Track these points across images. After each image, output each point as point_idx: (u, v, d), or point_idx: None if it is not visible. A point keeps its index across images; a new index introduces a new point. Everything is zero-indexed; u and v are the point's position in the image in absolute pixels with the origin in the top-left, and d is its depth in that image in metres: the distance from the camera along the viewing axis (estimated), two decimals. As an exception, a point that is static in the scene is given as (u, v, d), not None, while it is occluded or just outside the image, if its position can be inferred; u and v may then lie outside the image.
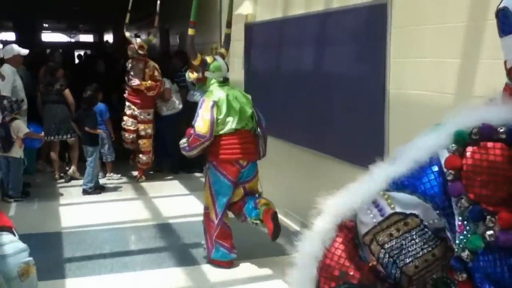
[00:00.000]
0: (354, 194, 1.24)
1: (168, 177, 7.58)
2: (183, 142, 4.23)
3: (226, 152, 4.12)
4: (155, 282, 4.14)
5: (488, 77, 3.00)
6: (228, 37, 4.80)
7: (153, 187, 7.05)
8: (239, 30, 6.66)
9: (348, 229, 1.25)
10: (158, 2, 7.67)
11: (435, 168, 1.17)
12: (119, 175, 7.53)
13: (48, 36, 22.84)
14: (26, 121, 6.40)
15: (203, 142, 4.08)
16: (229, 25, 4.85)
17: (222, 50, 4.58)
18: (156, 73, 7.16)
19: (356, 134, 4.30)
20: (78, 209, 6.09)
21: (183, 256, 4.65)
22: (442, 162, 1.16)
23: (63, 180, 7.26)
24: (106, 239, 5.04)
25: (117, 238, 5.08)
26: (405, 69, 3.69)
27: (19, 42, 14.68)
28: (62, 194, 6.72)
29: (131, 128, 7.09)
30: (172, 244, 4.96)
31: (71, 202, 6.38)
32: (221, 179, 4.15)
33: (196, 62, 4.21)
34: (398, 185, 1.19)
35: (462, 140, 1.15)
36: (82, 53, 16.32)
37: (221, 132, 4.10)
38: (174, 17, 10.62)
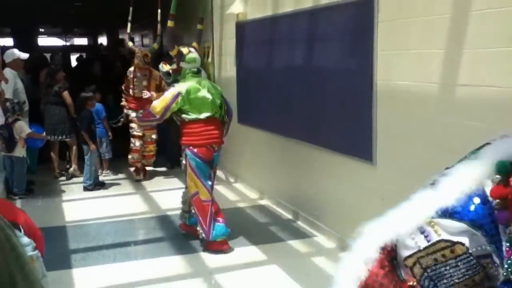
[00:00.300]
0: (399, 220, 1.29)
1: (166, 174, 7.59)
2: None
3: (203, 137, 4.36)
4: (156, 270, 4.18)
5: (471, 66, 3.05)
6: (200, 32, 5.22)
7: (150, 183, 7.07)
8: (230, 29, 6.69)
9: (388, 251, 1.31)
10: (159, 10, 7.46)
11: (480, 197, 1.21)
12: (116, 172, 7.53)
13: (44, 40, 22.68)
14: (28, 122, 6.39)
15: (152, 121, 4.60)
16: (201, 21, 5.22)
17: (194, 44, 4.83)
18: (163, 83, 6.70)
19: (347, 125, 4.35)
20: (80, 204, 6.11)
21: (181, 245, 4.69)
22: (487, 191, 1.21)
23: (64, 178, 7.25)
24: (108, 231, 5.07)
25: (118, 230, 5.10)
26: (392, 61, 3.74)
27: (18, 47, 14.58)
28: (64, 191, 6.72)
29: (139, 134, 6.95)
30: (170, 234, 4.98)
31: (73, 198, 6.39)
32: (200, 162, 4.38)
33: (173, 53, 4.36)
34: (445, 212, 1.23)
35: (505, 170, 1.19)
36: (79, 55, 16.23)
37: (196, 117, 4.34)
38: (167, 19, 10.60)
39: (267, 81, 5.79)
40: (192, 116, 4.32)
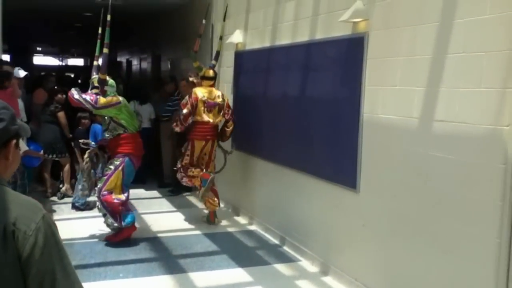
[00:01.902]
0: None
1: (156, 196, 7.92)
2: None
3: (140, 148, 5.75)
4: (147, 286, 4.47)
5: (447, 104, 3.47)
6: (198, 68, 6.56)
7: (141, 204, 7.38)
8: (229, 57, 7.14)
9: None
10: (204, 22, 6.88)
11: None
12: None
13: (39, 59, 23.21)
14: (26, 140, 6.69)
15: (89, 105, 5.51)
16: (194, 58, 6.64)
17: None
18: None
19: (334, 154, 4.74)
20: (72, 224, 6.39)
21: (171, 265, 5.00)
22: None
23: (55, 198, 7.55)
24: (99, 250, 5.37)
25: (110, 249, 5.40)
26: (378, 96, 4.15)
27: (14, 64, 14.96)
28: (55, 211, 7.00)
29: None
30: (161, 255, 5.30)
31: (64, 217, 6.67)
32: (133, 169, 5.69)
33: (102, 77, 5.52)
34: None
35: None
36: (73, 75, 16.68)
37: (134, 129, 5.70)
38: (166, 43, 11.10)
39: (261, 109, 6.21)
40: (131, 128, 5.60)
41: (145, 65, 13.39)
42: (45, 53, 22.84)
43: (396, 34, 3.94)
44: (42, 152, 6.64)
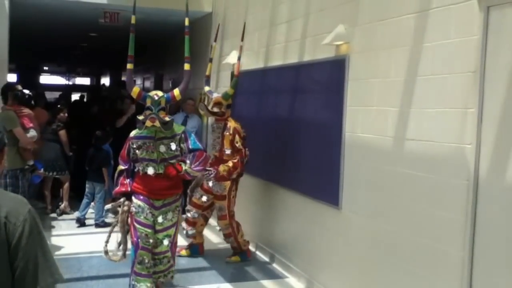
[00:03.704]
0: None
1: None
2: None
3: None
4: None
5: (417, 123, 3.73)
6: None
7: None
8: (226, 77, 7.47)
9: None
10: (214, 44, 6.76)
11: None
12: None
13: (46, 79, 23.82)
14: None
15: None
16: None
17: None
18: (237, 138, 5.66)
19: (318, 172, 5.00)
20: (69, 239, 6.68)
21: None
22: None
23: (55, 214, 7.86)
24: (93, 265, 5.63)
25: (103, 264, 5.61)
26: (358, 116, 4.42)
27: (20, 83, 15.44)
28: (53, 227, 7.32)
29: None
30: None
31: (62, 233, 6.99)
32: None
33: (134, 95, 4.52)
34: None
35: None
36: (80, 95, 17.18)
37: None
38: (169, 63, 11.52)
39: (254, 128, 6.49)
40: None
41: (148, 84, 13.83)
42: (52, 72, 23.47)
43: (373, 57, 4.22)
44: (42, 170, 6.97)
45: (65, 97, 13.91)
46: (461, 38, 3.34)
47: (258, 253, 6.28)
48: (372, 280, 4.22)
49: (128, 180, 4.56)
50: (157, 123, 4.28)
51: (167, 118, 4.39)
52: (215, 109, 5.72)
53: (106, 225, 7.17)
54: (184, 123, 8.20)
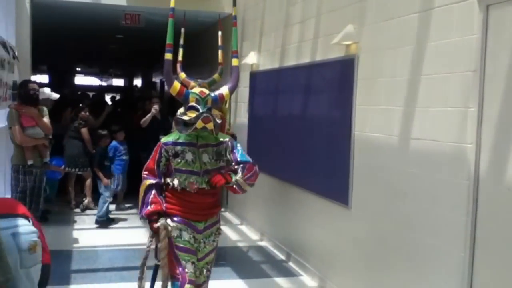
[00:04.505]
0: None
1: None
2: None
3: None
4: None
5: (421, 123, 3.69)
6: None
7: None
8: (245, 78, 7.53)
9: None
10: (220, 33, 5.96)
11: None
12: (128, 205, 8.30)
13: (81, 80, 24.39)
14: (48, 155, 7.23)
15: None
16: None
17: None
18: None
19: (329, 172, 4.99)
20: (90, 233, 6.88)
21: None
22: None
23: (79, 210, 8.07)
24: (110, 257, 5.81)
25: (119, 257, 5.83)
26: (366, 115, 4.40)
27: (52, 84, 15.86)
28: (75, 221, 7.53)
29: None
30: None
31: (83, 227, 7.19)
32: None
33: (173, 92, 3.60)
34: None
35: None
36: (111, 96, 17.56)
37: None
38: (192, 64, 11.62)
39: (270, 127, 6.53)
40: None
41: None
42: (85, 73, 24.00)
43: (380, 56, 4.20)
44: (63, 166, 7.17)
45: (97, 98, 14.22)
46: (461, 37, 3.30)
47: (275, 251, 6.30)
48: (380, 279, 4.19)
49: (161, 197, 3.60)
50: (210, 125, 3.43)
51: (218, 121, 3.59)
52: None
53: (107, 224, 7.28)
54: None
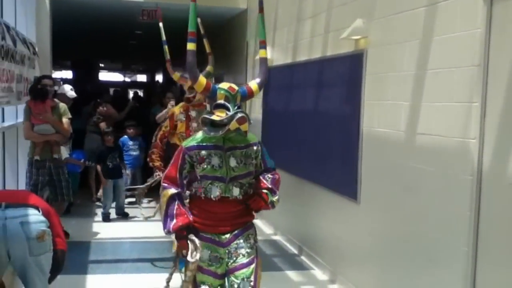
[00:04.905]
0: None
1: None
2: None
3: None
4: (160, 283, 4.91)
5: (426, 118, 3.67)
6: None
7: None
8: (260, 73, 7.54)
9: None
10: (199, 20, 5.28)
11: None
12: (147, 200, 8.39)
13: (105, 75, 24.72)
14: (70, 148, 7.38)
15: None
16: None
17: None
18: None
19: (339, 167, 5.00)
20: (108, 226, 7.03)
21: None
22: None
23: (99, 202, 8.22)
24: (126, 249, 5.95)
25: (135, 249, 5.95)
26: (374, 110, 4.39)
27: (76, 79, 16.08)
28: (96, 214, 7.68)
29: None
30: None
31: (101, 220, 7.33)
32: None
33: (199, 89, 3.13)
34: None
35: None
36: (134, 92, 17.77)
37: None
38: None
39: (283, 123, 6.55)
40: None
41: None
42: (108, 69, 24.33)
43: (388, 51, 4.17)
44: (83, 160, 7.32)
45: (120, 93, 14.44)
46: (465, 32, 3.26)
47: (288, 245, 6.34)
48: (388, 272, 4.19)
49: (186, 208, 3.15)
50: (245, 126, 3.01)
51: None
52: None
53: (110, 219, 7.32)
54: None
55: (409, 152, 3.87)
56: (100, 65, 22.25)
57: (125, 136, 7.97)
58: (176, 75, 5.39)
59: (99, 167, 7.41)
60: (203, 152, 3.10)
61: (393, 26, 4.11)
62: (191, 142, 3.19)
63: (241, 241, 3.18)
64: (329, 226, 5.26)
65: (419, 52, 3.76)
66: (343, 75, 4.98)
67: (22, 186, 6.35)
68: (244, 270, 3.16)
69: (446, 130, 3.44)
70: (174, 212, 3.06)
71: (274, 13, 6.98)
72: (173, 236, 3.18)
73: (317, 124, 5.47)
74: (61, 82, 8.21)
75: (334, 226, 5.14)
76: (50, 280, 3.22)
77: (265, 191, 3.25)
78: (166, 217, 3.08)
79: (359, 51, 4.59)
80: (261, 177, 3.28)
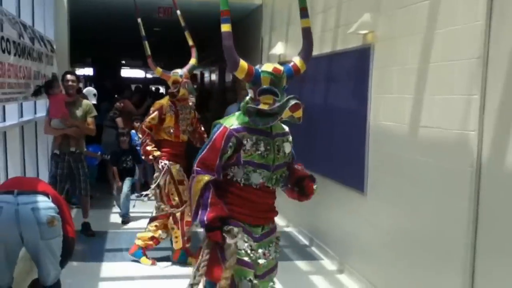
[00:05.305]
0: None
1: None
2: None
3: None
4: (171, 270, 5.11)
5: (429, 111, 3.71)
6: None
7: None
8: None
9: None
10: (178, 12, 5.70)
11: None
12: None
13: (126, 72, 25.03)
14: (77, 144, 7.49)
15: None
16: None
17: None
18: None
19: (347, 159, 5.05)
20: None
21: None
22: None
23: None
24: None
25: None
26: (380, 103, 4.43)
27: (97, 76, 16.27)
28: (114, 205, 7.84)
29: None
30: (194, 245, 5.83)
31: (119, 211, 7.47)
32: None
33: (240, 75, 2.80)
34: None
35: None
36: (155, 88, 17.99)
37: None
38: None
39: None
40: None
41: (214, 77, 14.24)
42: (130, 66, 24.61)
43: (393, 45, 4.21)
44: (99, 153, 7.51)
45: (141, 89, 14.63)
46: (466, 24, 3.29)
47: (299, 236, 6.43)
48: (391, 263, 4.24)
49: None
50: (299, 113, 2.85)
51: None
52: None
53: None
54: None
55: (412, 144, 3.91)
56: (122, 62, 22.54)
57: (133, 131, 8.09)
58: (158, 70, 5.25)
59: (115, 168, 7.29)
60: (254, 137, 2.80)
61: (398, 20, 4.15)
62: (233, 122, 2.82)
63: (272, 243, 2.99)
64: (338, 218, 5.33)
65: (422, 46, 3.79)
66: (351, 69, 5.03)
67: (42, 178, 6.57)
68: (273, 275, 3.06)
69: (447, 122, 3.47)
70: (209, 201, 2.72)
71: (288, 8, 7.04)
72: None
73: (328, 118, 5.53)
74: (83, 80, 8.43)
75: (342, 218, 5.21)
76: (62, 264, 3.38)
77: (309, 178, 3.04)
78: (199, 206, 2.73)
79: (367, 45, 4.63)
80: (296, 166, 3.10)
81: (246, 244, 2.80)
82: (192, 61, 5.45)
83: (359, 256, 4.87)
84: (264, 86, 2.74)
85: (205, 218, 2.68)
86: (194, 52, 5.52)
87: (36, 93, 5.74)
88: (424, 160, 3.75)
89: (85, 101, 6.10)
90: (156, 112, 5.13)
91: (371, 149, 4.59)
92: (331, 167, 5.44)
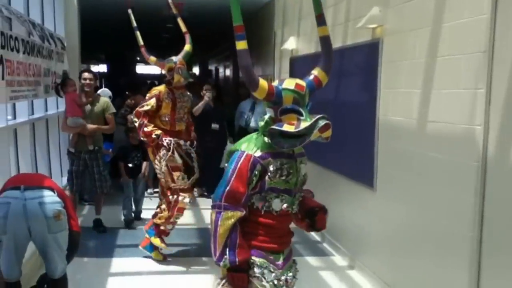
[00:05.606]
0: None
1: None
2: None
3: None
4: (179, 267, 5.18)
5: (436, 105, 3.71)
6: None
7: (204, 202, 8.09)
8: (286, 64, 7.65)
9: None
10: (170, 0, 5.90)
11: None
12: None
13: (142, 68, 25.22)
14: (94, 142, 7.57)
15: None
16: None
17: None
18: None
19: (357, 155, 5.07)
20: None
21: (205, 251, 5.53)
22: None
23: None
24: (153, 235, 6.14)
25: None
26: (389, 98, 4.44)
27: (111, 74, 16.42)
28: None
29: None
30: (203, 243, 5.92)
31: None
32: None
33: (261, 95, 2.58)
34: None
35: None
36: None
37: None
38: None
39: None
40: None
41: (228, 72, 14.31)
42: (145, 62, 24.78)
43: (402, 39, 4.21)
44: (111, 150, 7.60)
45: (156, 85, 14.73)
46: (472, 18, 3.29)
47: (311, 232, 6.44)
48: (400, 258, 4.27)
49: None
50: (328, 133, 2.65)
51: None
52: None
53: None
54: (252, 109, 8.35)
55: (420, 139, 3.91)
56: (137, 58, 22.73)
57: None
58: (152, 59, 5.28)
59: (122, 164, 7.05)
60: (278, 162, 2.62)
61: (406, 14, 4.15)
62: (254, 147, 2.62)
63: (291, 267, 2.82)
64: (348, 213, 5.35)
65: (429, 40, 3.79)
66: (361, 64, 5.03)
67: (55, 175, 6.69)
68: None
69: (453, 117, 3.47)
70: (236, 242, 2.55)
71: (300, 3, 7.05)
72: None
73: (338, 113, 5.53)
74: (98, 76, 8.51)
75: (353, 214, 5.22)
76: (68, 258, 3.47)
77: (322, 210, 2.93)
78: (225, 246, 2.54)
79: (376, 39, 4.64)
80: (306, 194, 2.96)
81: (273, 275, 2.65)
82: (187, 47, 5.47)
83: (369, 252, 4.88)
84: (287, 105, 2.55)
85: (236, 260, 2.53)
86: (188, 38, 5.55)
87: (57, 90, 5.88)
88: (431, 155, 3.75)
89: (102, 98, 6.25)
90: (153, 98, 5.09)
91: (380, 144, 4.61)
92: (341, 162, 5.45)
